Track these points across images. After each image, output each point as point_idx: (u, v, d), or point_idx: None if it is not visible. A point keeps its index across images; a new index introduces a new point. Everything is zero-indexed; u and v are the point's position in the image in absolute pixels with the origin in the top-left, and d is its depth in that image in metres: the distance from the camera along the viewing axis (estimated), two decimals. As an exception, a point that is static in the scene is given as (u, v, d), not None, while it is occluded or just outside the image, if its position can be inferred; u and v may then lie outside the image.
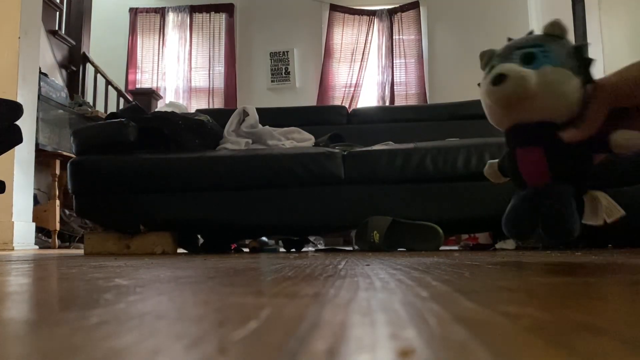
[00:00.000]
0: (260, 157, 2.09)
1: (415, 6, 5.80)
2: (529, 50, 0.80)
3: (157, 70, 6.06)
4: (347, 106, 5.46)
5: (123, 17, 6.09)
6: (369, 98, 5.82)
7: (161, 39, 6.10)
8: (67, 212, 3.96)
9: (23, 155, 3.22)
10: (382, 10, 5.85)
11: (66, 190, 3.90)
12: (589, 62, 0.78)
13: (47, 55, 4.49)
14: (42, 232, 3.75)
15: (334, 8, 5.90)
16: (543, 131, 0.79)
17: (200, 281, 0.53)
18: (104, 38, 5.78)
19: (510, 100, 0.78)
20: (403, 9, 5.82)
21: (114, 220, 2.12)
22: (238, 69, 5.95)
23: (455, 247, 2.59)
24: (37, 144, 3.55)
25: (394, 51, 5.79)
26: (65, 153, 3.88)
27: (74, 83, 4.86)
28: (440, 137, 2.43)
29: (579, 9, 4.08)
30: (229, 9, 6.02)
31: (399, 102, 5.68)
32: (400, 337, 0.22)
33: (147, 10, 6.12)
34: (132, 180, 2.09)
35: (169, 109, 2.52)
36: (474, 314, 0.29)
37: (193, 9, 6.08)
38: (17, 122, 1.96)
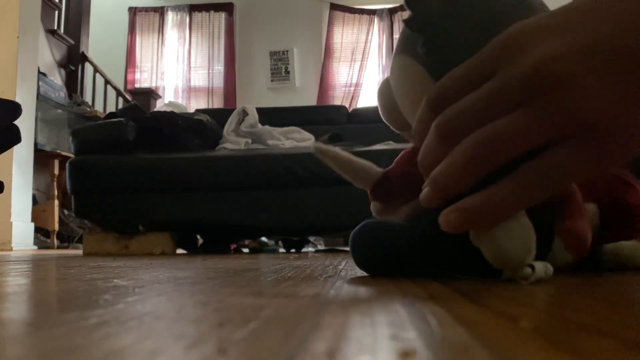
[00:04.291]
0: (260, 157, 2.09)
1: (414, 6, 5.80)
2: None
3: (156, 69, 6.05)
4: (347, 106, 5.46)
5: (122, 16, 6.08)
6: (369, 98, 5.82)
7: (160, 39, 6.09)
8: (65, 212, 3.95)
9: (22, 155, 3.22)
10: (382, 10, 5.85)
11: (65, 190, 3.89)
12: None
13: (46, 55, 4.48)
14: (41, 232, 3.75)
15: (334, 7, 5.90)
16: None
17: (200, 282, 0.53)
18: (103, 37, 5.78)
19: None
20: (403, 8, 5.82)
21: (113, 220, 2.12)
22: (238, 69, 5.94)
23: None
24: (35, 144, 3.54)
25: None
26: (64, 153, 3.87)
27: (72, 83, 4.86)
28: (439, 137, 2.43)
29: (578, 9, 4.08)
30: (228, 8, 6.02)
31: (398, 102, 5.68)
32: (401, 338, 0.22)
33: (146, 10, 6.11)
34: (131, 180, 2.08)
35: (168, 109, 2.52)
36: (474, 315, 0.29)
37: (192, 8, 6.07)
38: (16, 122, 1.96)
